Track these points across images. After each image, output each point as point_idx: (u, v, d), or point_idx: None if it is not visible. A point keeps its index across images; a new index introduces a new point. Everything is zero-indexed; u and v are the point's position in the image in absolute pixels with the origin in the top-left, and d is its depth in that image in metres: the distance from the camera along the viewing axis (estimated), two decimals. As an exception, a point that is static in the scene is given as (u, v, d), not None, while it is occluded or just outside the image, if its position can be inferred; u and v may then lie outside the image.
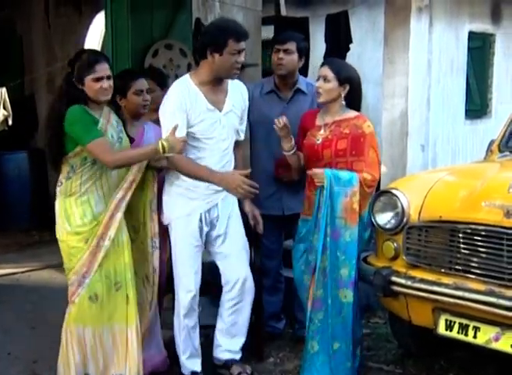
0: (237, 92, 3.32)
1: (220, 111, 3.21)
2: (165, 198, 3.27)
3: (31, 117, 7.36)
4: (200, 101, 3.15)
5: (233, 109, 3.28)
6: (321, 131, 3.35)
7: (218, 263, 3.34)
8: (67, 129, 2.94)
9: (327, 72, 3.34)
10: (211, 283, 3.41)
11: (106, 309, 3.06)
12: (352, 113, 3.37)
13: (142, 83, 3.39)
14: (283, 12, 6.71)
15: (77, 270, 3.02)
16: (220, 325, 3.40)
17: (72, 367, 3.08)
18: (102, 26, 6.57)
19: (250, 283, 3.33)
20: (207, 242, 3.30)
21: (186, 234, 3.22)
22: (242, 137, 3.45)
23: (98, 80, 2.95)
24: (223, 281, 3.34)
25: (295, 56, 3.68)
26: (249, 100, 3.45)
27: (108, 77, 3.00)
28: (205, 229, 3.25)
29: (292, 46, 3.67)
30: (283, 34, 3.82)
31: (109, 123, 3.09)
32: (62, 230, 3.06)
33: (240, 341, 3.40)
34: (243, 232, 3.38)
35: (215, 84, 3.19)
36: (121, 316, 3.09)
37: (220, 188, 3.16)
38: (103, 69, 2.97)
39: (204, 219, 3.23)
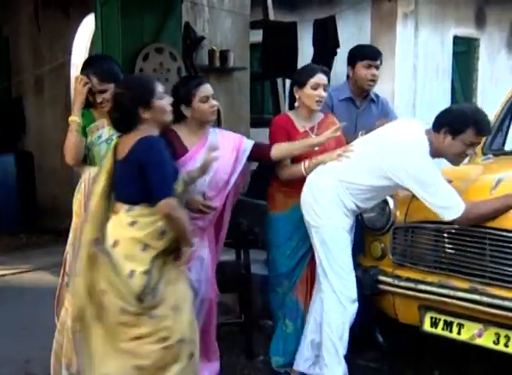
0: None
1: None
2: (328, 201, 3.19)
3: (19, 120, 7.37)
4: None
5: None
6: (312, 136, 3.38)
7: None
8: None
9: (326, 81, 3.40)
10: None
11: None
12: (319, 114, 3.49)
13: (207, 89, 3.13)
14: (271, 16, 6.79)
15: None
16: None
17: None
18: (90, 30, 6.62)
19: None
20: None
21: (346, 244, 3.20)
22: None
23: (100, 92, 3.03)
24: None
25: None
26: (331, 104, 3.58)
27: (101, 91, 3.02)
28: None
29: (379, 62, 3.74)
30: (373, 49, 3.85)
31: (107, 126, 3.06)
32: None
33: None
34: None
35: None
36: None
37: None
38: (108, 87, 3.01)
39: None
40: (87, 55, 6.63)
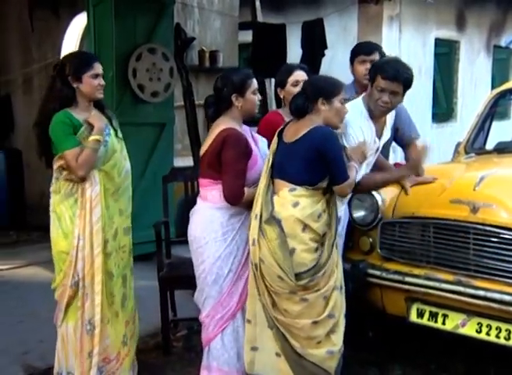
0: (391, 115, 3.42)
1: (379, 140, 3.31)
2: None
3: (7, 118, 7.41)
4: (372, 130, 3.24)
5: (388, 137, 3.42)
6: None
7: None
8: (50, 133, 3.01)
9: (305, 77, 3.48)
10: (193, 277, 3.46)
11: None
12: None
13: (256, 82, 3.15)
14: (259, 18, 6.91)
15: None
16: None
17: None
18: (80, 29, 6.69)
19: None
20: None
21: None
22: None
23: (96, 76, 3.05)
24: None
25: None
26: None
27: (102, 76, 3.11)
28: None
29: (376, 56, 3.73)
30: (367, 45, 3.84)
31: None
32: (53, 230, 3.12)
33: None
34: None
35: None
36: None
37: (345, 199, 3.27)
38: (99, 66, 3.08)
39: None
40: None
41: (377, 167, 3.47)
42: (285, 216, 2.84)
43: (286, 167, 2.92)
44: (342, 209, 3.26)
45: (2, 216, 7.03)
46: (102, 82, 3.09)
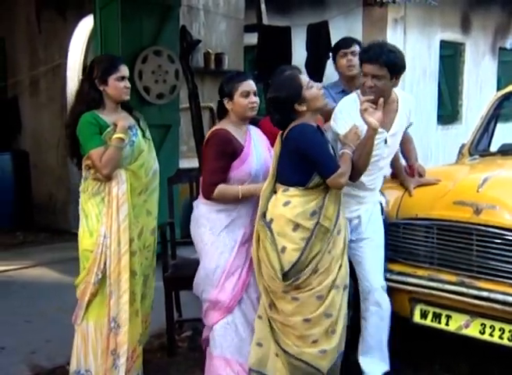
0: (406, 108, 3.28)
1: (387, 131, 3.16)
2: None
3: (14, 119, 7.47)
4: None
5: (400, 129, 3.28)
6: None
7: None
8: (77, 134, 3.09)
9: None
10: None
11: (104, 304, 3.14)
12: None
13: (249, 85, 3.13)
14: (265, 20, 6.94)
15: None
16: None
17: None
18: (87, 32, 6.74)
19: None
20: None
21: None
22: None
23: (122, 79, 3.11)
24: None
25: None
26: (332, 96, 3.59)
27: (128, 78, 3.17)
28: None
29: (356, 48, 3.82)
30: (345, 39, 3.96)
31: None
32: (80, 228, 3.15)
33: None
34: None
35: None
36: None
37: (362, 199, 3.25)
38: (125, 69, 3.14)
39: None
40: (83, 57, 6.75)
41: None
42: (276, 215, 2.87)
43: (280, 170, 2.96)
44: (357, 208, 3.25)
45: (9, 216, 7.09)
46: (128, 84, 3.15)
